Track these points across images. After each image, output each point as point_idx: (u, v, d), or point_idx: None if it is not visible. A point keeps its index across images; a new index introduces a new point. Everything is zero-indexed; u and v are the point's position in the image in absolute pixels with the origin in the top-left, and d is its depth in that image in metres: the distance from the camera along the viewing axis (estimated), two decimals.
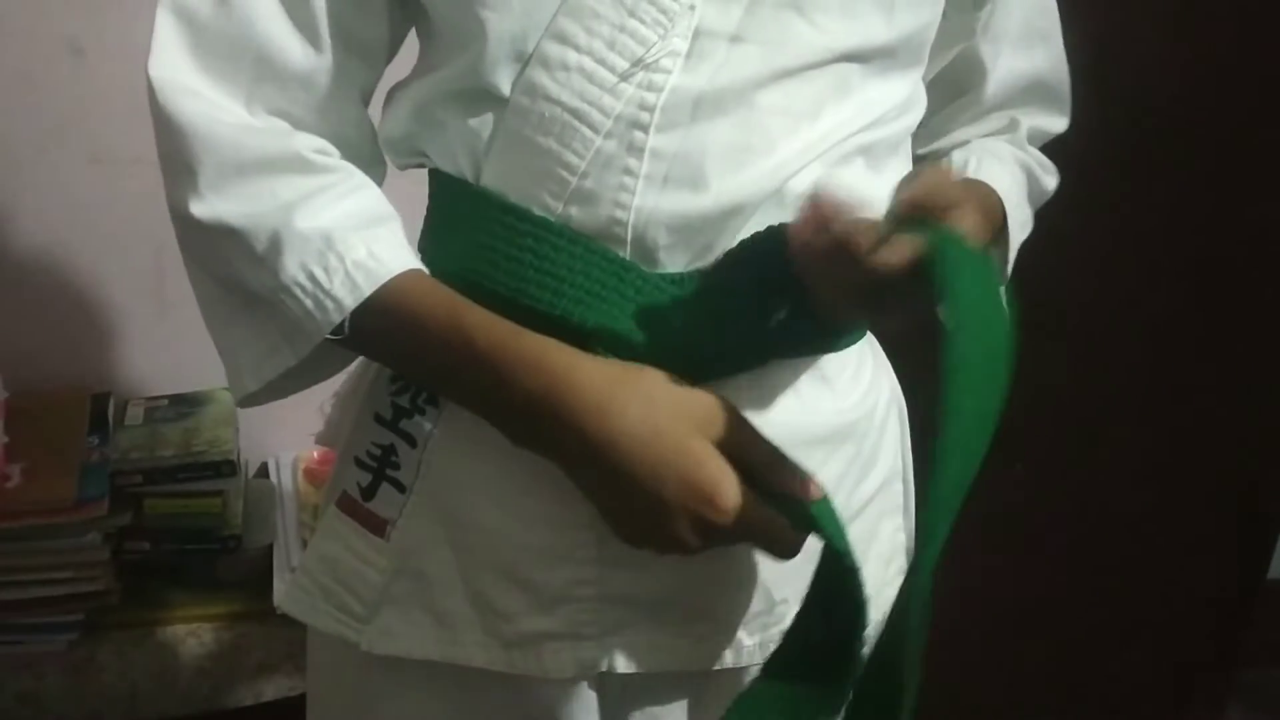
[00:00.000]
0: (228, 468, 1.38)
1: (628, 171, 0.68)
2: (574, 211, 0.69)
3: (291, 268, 0.68)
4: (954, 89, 0.88)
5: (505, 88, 0.68)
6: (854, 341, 0.79)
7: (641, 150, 0.68)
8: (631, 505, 0.67)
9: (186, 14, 0.69)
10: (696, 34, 0.67)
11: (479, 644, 0.77)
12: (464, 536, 0.76)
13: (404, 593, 0.78)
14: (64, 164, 1.39)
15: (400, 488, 0.77)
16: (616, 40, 0.67)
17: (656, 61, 0.67)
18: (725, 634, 0.78)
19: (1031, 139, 0.90)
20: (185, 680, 1.32)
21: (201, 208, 0.69)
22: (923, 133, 0.84)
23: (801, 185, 0.70)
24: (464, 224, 0.72)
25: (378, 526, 0.78)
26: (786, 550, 0.69)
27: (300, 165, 0.70)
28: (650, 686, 0.81)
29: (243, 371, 0.74)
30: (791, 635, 0.76)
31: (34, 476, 1.31)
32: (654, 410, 0.66)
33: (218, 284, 0.73)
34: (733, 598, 0.77)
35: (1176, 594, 1.95)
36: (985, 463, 0.64)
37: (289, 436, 1.50)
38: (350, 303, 0.68)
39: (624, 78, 0.67)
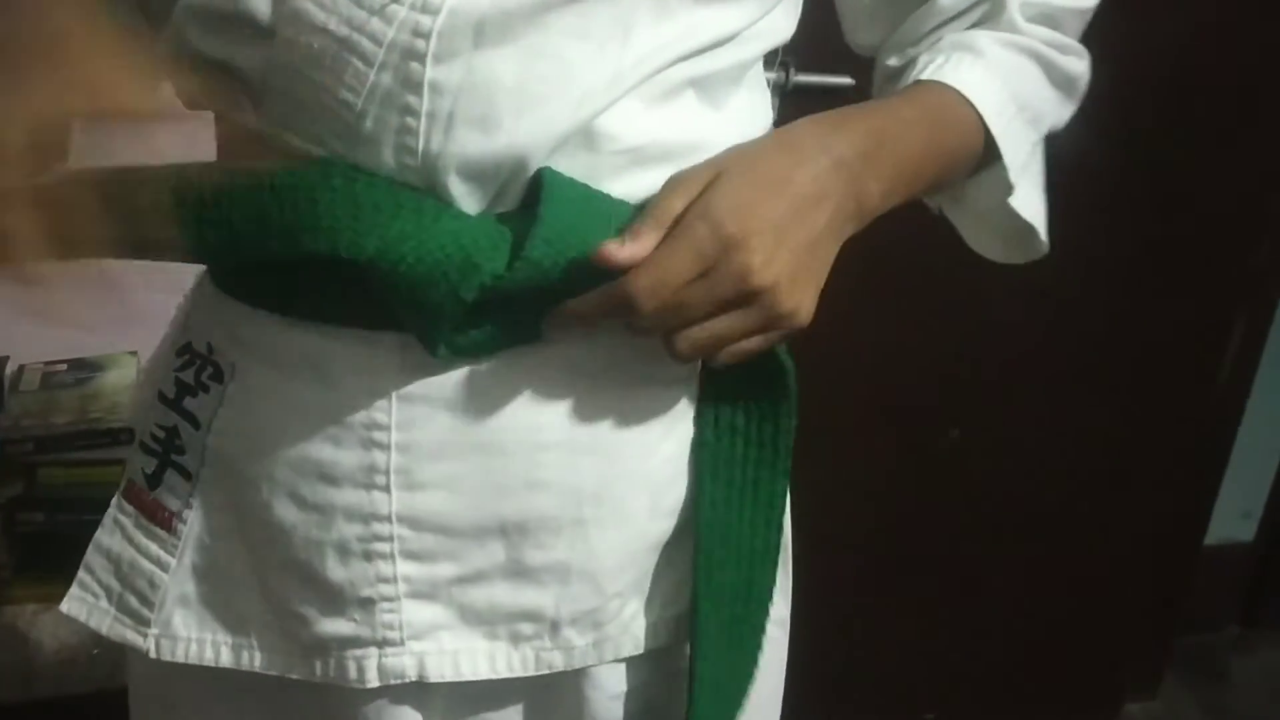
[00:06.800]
0: (127, 435, 1.31)
1: (408, 110, 0.59)
2: (360, 155, 0.60)
3: None
4: None
5: (265, 13, 0.59)
6: None
7: (419, 85, 0.58)
8: None
9: None
10: None
11: (277, 650, 0.69)
12: (255, 530, 0.68)
13: (194, 593, 0.70)
14: None
15: (186, 474, 0.69)
16: None
17: None
18: (550, 634, 0.69)
19: (1036, 18, 0.74)
20: (84, 657, 1.26)
21: None
22: (892, 45, 0.76)
23: (613, 124, 0.61)
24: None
25: (164, 519, 0.70)
26: None
27: None
28: (480, 695, 0.72)
29: None
30: None
31: None
32: None
33: None
34: (557, 592, 0.68)
35: (1114, 560, 1.89)
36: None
37: None
38: None
39: None
